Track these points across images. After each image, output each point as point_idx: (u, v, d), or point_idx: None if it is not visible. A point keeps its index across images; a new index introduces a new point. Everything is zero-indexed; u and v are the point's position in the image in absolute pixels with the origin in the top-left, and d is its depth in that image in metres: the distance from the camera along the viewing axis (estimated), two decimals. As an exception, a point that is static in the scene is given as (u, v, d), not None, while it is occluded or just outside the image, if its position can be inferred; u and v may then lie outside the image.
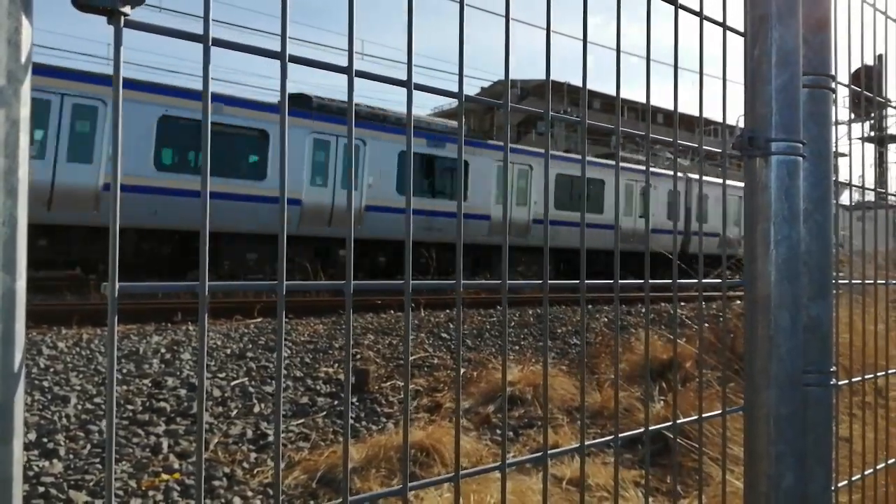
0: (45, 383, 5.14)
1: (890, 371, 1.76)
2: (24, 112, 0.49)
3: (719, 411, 1.22)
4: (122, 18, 0.54)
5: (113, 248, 0.54)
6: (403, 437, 0.73)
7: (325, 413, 4.86)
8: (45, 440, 3.98)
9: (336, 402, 5.13)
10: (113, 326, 0.53)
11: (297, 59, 0.64)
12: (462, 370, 6.23)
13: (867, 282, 1.67)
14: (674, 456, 1.30)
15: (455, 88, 0.86)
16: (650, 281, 1.03)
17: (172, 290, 0.66)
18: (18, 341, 0.49)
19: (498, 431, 4.57)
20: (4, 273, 0.46)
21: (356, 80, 0.72)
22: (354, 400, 5.17)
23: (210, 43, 0.58)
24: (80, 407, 4.67)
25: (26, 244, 0.50)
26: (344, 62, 0.71)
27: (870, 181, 1.86)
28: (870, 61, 1.73)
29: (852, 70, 1.64)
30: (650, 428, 1.03)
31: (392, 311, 9.89)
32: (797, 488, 1.14)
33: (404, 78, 0.78)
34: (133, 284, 0.56)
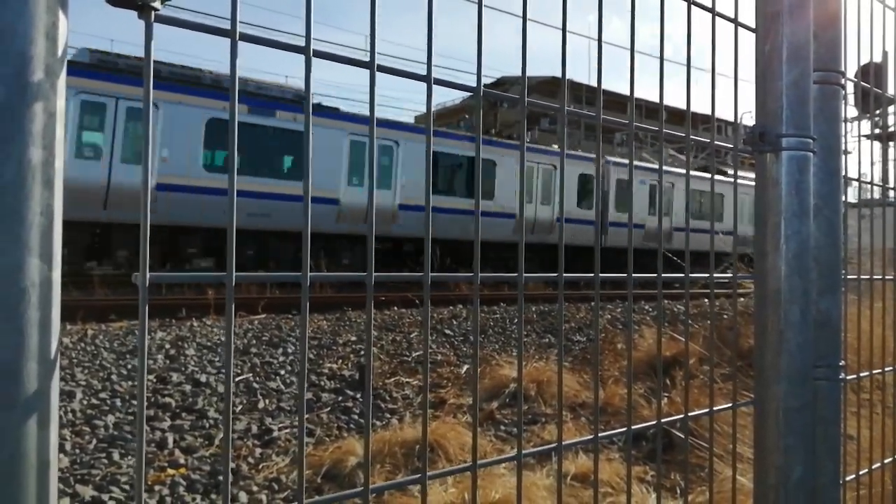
0: (51, 378, 5.17)
1: (896, 367, 1.76)
2: (60, 104, 0.50)
3: (728, 405, 1.23)
4: (153, 13, 0.55)
5: (144, 240, 0.55)
6: (423, 426, 0.74)
7: (329, 409, 4.88)
8: (51, 435, 3.99)
9: (340, 398, 5.14)
10: (144, 316, 0.54)
11: (321, 55, 0.65)
12: (465, 366, 6.24)
13: (875, 277, 1.67)
14: (686, 451, 1.31)
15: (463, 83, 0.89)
16: (663, 275, 1.04)
17: (200, 281, 0.67)
18: (54, 329, 0.50)
19: (502, 428, 4.59)
20: (42, 262, 0.48)
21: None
22: (358, 396, 5.19)
23: (237, 38, 0.59)
24: (85, 402, 4.69)
25: (62, 234, 0.51)
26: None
27: (870, 178, 1.87)
28: (876, 57, 1.73)
29: (858, 66, 1.65)
30: (662, 420, 1.04)
31: (395, 308, 9.90)
32: (806, 481, 1.15)
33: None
34: (163, 275, 0.57)
